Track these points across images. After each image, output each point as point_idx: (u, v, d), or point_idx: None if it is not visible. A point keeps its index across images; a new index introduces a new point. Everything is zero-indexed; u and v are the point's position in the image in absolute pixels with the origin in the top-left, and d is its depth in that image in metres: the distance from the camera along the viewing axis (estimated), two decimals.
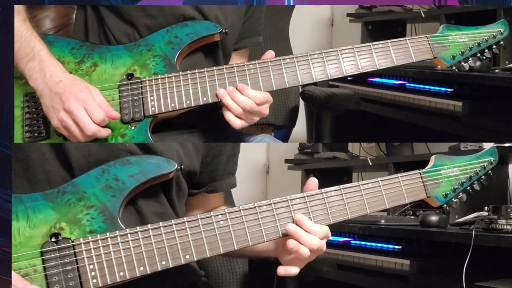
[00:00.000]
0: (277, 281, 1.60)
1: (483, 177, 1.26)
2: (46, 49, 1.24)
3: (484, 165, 1.25)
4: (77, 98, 1.18)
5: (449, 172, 1.22)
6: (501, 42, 1.36)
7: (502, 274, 1.66)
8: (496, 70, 1.90)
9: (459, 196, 1.24)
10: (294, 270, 1.12)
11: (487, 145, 1.95)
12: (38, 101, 1.27)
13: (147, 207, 1.14)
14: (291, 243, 1.08)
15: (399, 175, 1.19)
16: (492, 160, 1.27)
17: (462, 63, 1.35)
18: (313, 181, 1.15)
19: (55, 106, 1.19)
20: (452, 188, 1.23)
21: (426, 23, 2.79)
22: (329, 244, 2.12)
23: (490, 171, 1.26)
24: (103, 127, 1.21)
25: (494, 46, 1.36)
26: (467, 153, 1.28)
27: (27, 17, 1.27)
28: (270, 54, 1.31)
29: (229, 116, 1.27)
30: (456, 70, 1.35)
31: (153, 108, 1.27)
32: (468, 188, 1.25)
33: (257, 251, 1.22)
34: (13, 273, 0.97)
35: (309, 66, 1.30)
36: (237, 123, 1.27)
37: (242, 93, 1.26)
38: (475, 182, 1.25)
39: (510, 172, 2.10)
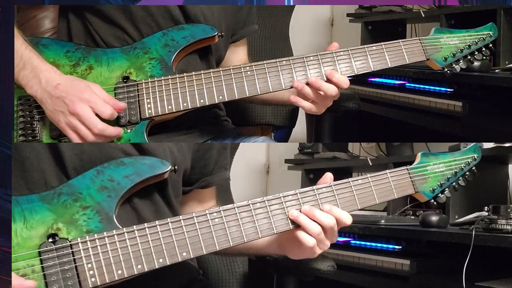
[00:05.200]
0: (277, 281, 1.60)
1: (467, 173, 1.30)
2: (35, 54, 1.23)
3: (468, 161, 1.29)
4: (81, 99, 1.18)
5: (435, 168, 1.26)
6: (490, 45, 1.39)
7: (502, 274, 1.66)
8: (496, 70, 1.90)
9: (445, 192, 1.28)
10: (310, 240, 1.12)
11: (487, 145, 1.95)
12: (32, 105, 1.27)
13: (143, 206, 1.14)
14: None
15: (387, 171, 1.22)
16: (475, 157, 1.31)
17: (454, 65, 1.38)
18: (329, 175, 1.18)
19: (59, 110, 1.19)
20: (438, 183, 1.26)
21: (426, 23, 2.79)
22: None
23: (474, 167, 1.30)
24: (112, 124, 1.21)
25: (484, 49, 1.39)
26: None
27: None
28: (335, 46, 1.34)
29: (299, 101, 1.31)
30: (448, 71, 1.38)
31: (149, 111, 1.27)
32: (454, 183, 1.28)
33: (256, 248, 1.23)
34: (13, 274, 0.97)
35: (305, 68, 1.30)
36: (307, 105, 1.31)
37: (332, 78, 1.29)
38: (460, 177, 1.29)
39: (510, 172, 2.10)
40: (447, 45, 1.37)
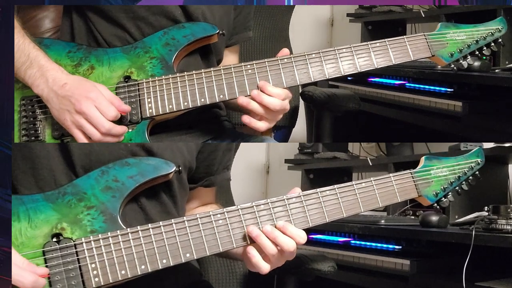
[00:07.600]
0: (277, 281, 1.60)
1: (470, 177, 1.29)
2: (42, 53, 1.24)
3: (471, 165, 1.29)
4: (88, 98, 1.18)
5: (438, 172, 1.26)
6: (499, 40, 1.35)
7: (502, 274, 1.66)
8: (496, 70, 1.91)
9: (448, 196, 1.27)
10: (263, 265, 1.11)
11: (487, 145, 1.95)
12: (35, 105, 1.27)
13: (150, 204, 1.15)
14: None
15: (391, 175, 1.22)
16: (479, 161, 1.30)
17: (461, 61, 1.34)
18: (297, 190, 1.16)
19: (66, 109, 1.19)
20: (442, 187, 1.26)
21: (426, 23, 2.80)
22: (329, 244, 2.14)
23: (477, 172, 1.29)
24: (117, 123, 1.21)
25: (493, 44, 1.35)
26: (459, 153, 1.30)
27: (17, 24, 1.26)
28: (285, 52, 1.31)
29: (252, 122, 1.26)
30: (455, 68, 1.35)
31: (150, 110, 1.27)
32: (457, 188, 1.28)
33: (228, 253, 1.21)
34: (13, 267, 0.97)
35: (307, 66, 1.29)
36: (261, 126, 1.27)
37: (264, 91, 1.24)
38: (463, 182, 1.28)
39: (510, 172, 2.10)
40: (454, 40, 1.33)
